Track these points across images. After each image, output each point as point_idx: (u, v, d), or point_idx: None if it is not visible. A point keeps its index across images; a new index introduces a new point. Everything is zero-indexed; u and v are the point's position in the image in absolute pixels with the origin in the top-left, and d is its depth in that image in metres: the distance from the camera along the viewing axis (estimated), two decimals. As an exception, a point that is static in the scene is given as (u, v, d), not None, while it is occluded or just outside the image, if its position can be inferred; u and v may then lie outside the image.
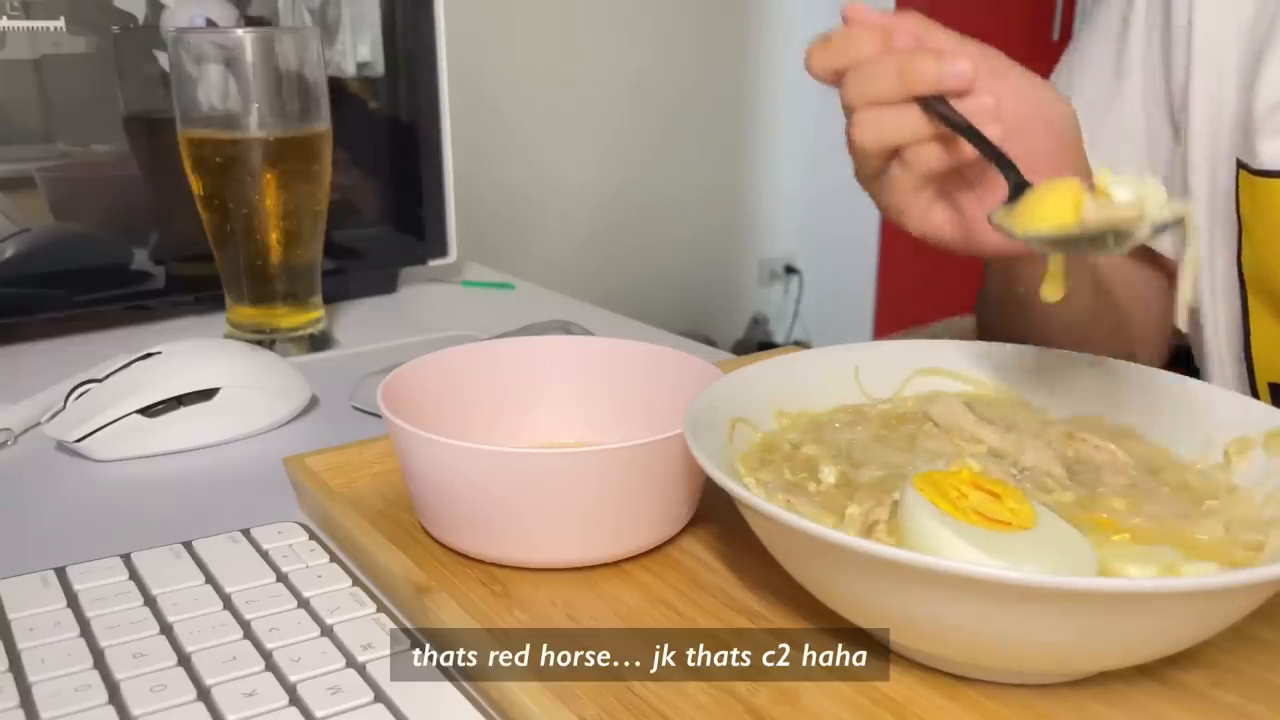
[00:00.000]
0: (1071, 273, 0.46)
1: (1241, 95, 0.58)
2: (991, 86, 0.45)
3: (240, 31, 0.66)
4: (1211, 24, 0.60)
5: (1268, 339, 0.59)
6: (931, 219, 0.47)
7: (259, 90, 0.66)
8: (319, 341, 0.73)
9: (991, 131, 0.43)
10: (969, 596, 0.30)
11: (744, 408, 0.43)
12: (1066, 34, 2.55)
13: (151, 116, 0.76)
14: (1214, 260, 0.60)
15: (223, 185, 0.67)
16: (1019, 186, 0.41)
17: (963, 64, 0.43)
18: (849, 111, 0.46)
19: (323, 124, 0.69)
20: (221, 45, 0.66)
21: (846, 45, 0.46)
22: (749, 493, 0.33)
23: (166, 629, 0.36)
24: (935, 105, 0.44)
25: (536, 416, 0.50)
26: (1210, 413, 0.42)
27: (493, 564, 0.42)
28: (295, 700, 0.32)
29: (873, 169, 0.47)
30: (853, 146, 0.47)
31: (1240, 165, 0.57)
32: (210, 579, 0.40)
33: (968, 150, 0.44)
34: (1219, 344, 0.62)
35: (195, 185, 0.68)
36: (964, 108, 0.43)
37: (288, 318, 0.71)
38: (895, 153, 0.46)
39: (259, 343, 0.69)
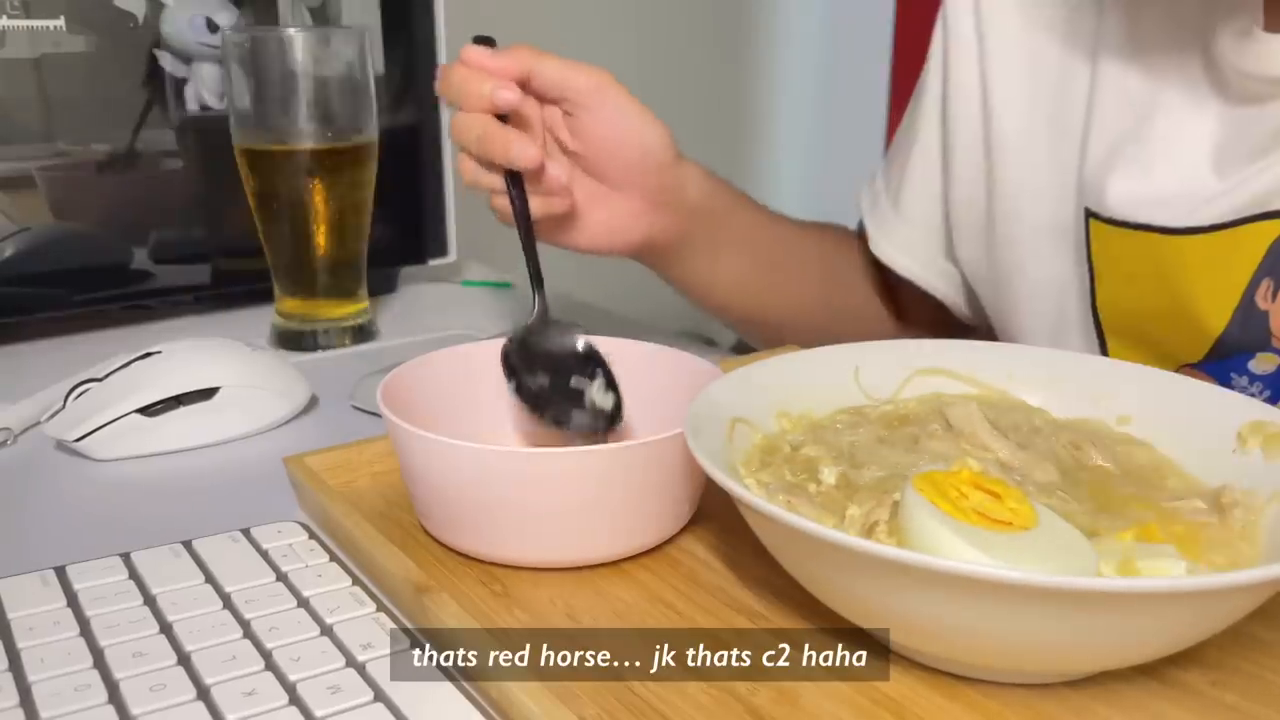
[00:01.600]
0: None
1: (1070, 139, 0.58)
2: (589, 106, 0.56)
3: (292, 31, 0.67)
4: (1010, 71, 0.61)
5: None
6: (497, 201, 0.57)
7: (310, 94, 0.67)
8: (364, 333, 0.74)
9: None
10: (968, 596, 0.30)
11: (744, 408, 0.43)
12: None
13: (166, 116, 0.76)
14: (1064, 303, 0.60)
15: (275, 187, 0.69)
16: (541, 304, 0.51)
17: (530, 150, 0.53)
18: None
19: (371, 129, 0.70)
20: (267, 47, 0.66)
21: (452, 83, 0.55)
22: (749, 493, 0.33)
23: (166, 628, 0.36)
24: (513, 186, 0.54)
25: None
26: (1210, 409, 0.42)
27: (492, 564, 0.42)
28: (295, 700, 0.32)
29: None
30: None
31: (1090, 214, 0.56)
32: (210, 578, 0.40)
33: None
34: None
35: (248, 184, 0.70)
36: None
37: (334, 309, 0.73)
38: None
39: (304, 333, 0.72)
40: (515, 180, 0.54)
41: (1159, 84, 0.54)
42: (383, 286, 0.88)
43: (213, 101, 0.77)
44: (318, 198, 0.69)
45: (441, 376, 0.48)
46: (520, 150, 0.53)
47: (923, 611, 0.31)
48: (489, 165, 0.54)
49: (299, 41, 0.66)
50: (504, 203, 0.55)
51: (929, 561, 0.29)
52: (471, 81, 0.54)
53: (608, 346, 0.51)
